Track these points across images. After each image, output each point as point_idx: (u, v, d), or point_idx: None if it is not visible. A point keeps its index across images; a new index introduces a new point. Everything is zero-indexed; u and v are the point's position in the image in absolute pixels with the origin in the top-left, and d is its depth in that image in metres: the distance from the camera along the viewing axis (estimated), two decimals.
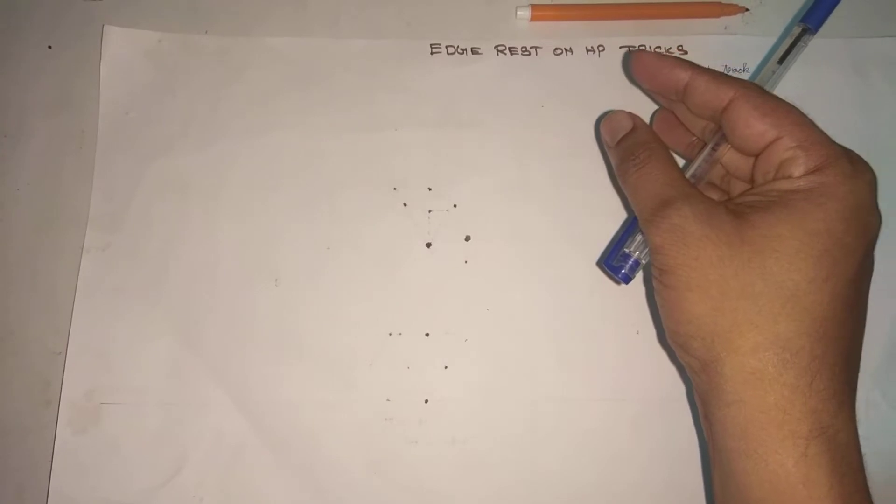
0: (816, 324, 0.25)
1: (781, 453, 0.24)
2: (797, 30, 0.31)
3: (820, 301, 0.25)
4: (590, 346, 0.34)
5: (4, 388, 0.33)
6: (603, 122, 0.32)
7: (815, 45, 0.31)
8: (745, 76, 0.37)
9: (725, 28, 0.38)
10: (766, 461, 0.24)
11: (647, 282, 0.34)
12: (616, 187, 0.35)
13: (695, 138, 0.33)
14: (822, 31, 0.30)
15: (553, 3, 0.37)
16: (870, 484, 0.25)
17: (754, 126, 0.27)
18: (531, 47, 0.37)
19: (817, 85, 0.36)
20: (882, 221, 0.26)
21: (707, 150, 0.30)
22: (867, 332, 0.27)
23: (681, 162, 0.33)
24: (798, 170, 0.26)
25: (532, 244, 0.35)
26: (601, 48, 0.37)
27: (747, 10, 0.38)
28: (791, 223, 0.25)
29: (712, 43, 0.37)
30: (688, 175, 0.29)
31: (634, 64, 0.31)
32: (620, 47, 0.37)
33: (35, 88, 0.36)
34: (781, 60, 0.30)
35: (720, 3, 0.37)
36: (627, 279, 0.30)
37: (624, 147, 0.30)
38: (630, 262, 0.30)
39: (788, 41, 0.31)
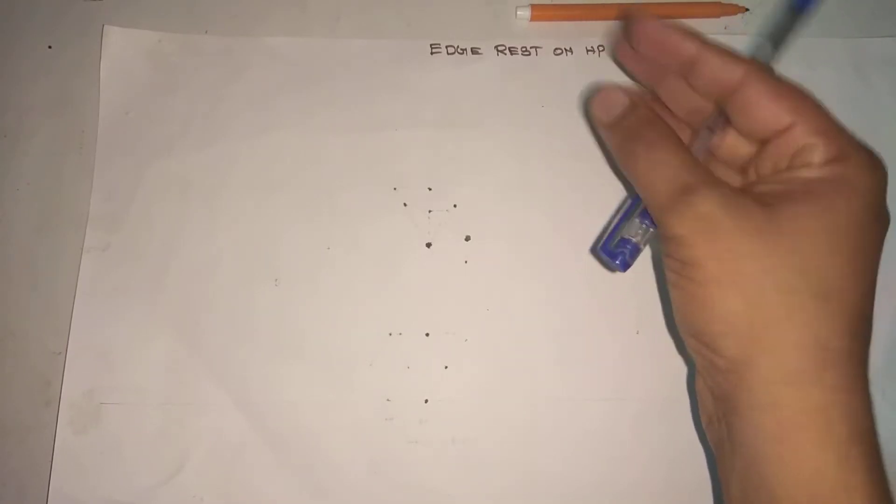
0: (851, 322, 0.23)
1: (820, 458, 0.23)
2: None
3: (853, 299, 0.24)
4: (590, 345, 0.34)
5: (4, 388, 0.33)
6: (594, 99, 0.29)
7: (815, 45, 0.31)
8: None
9: (725, 28, 0.38)
10: (803, 466, 0.23)
11: (651, 278, 0.34)
12: (612, 167, 0.34)
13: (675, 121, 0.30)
14: (821, 31, 0.30)
15: (553, 3, 0.37)
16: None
17: (768, 108, 0.25)
18: (531, 47, 0.37)
19: (816, 85, 0.36)
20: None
21: (704, 133, 0.28)
22: None
23: None
24: (818, 157, 0.24)
25: (532, 244, 0.35)
26: (601, 48, 0.37)
27: (747, 10, 0.38)
28: (822, 217, 0.24)
29: None
30: None
31: (638, 32, 0.28)
32: None
33: (35, 88, 0.36)
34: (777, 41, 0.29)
35: (720, 3, 0.37)
36: (626, 266, 0.28)
37: (627, 126, 0.28)
38: (629, 248, 0.28)
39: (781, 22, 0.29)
